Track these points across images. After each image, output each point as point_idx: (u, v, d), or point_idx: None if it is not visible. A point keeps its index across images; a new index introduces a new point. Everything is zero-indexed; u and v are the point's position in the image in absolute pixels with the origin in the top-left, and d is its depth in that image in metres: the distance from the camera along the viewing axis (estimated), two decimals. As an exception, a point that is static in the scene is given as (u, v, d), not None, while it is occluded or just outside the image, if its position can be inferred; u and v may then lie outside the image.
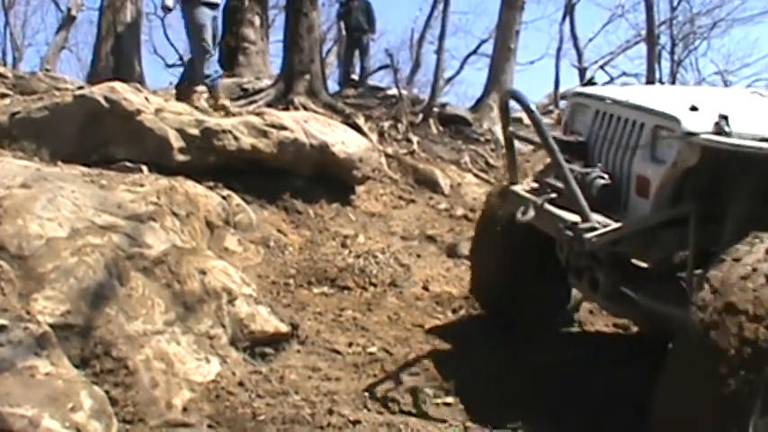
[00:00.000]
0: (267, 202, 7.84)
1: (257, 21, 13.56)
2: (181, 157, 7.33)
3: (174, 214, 5.88)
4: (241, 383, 4.81)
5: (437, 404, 4.82)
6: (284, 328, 5.48)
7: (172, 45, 31.14)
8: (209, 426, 4.42)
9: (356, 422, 4.49)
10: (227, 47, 12.90)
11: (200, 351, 4.93)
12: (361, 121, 11.06)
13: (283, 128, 8.07)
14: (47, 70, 13.98)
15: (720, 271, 4.08)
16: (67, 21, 20.76)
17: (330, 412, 4.57)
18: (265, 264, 6.83)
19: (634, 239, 4.68)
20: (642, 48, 21.86)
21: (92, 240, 4.95)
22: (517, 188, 5.44)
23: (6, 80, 9.12)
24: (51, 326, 4.29)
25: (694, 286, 4.34)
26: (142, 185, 6.01)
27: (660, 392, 4.04)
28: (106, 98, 7.14)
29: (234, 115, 8.52)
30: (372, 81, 18.18)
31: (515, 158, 5.57)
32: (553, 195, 5.01)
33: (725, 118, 4.37)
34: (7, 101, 7.84)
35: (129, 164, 7.04)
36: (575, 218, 4.66)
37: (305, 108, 9.37)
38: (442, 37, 14.78)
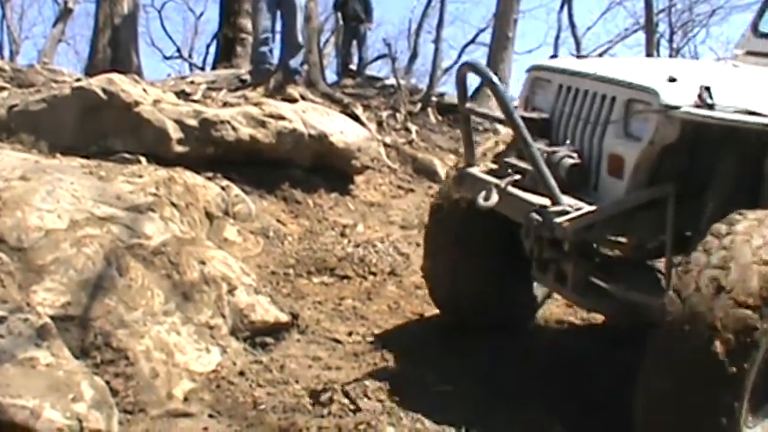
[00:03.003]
0: (266, 192, 7.84)
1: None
2: (179, 148, 7.33)
3: (174, 205, 5.88)
4: (241, 373, 4.82)
5: (438, 392, 4.82)
6: (284, 317, 5.49)
7: (169, 37, 31.07)
8: (210, 415, 4.43)
9: (357, 411, 4.50)
10: (225, 38, 12.87)
11: (201, 341, 4.94)
12: (359, 110, 11.04)
13: (282, 118, 8.07)
14: (44, 63, 13.95)
15: (701, 253, 3.83)
16: (64, 13, 20.74)
17: (331, 401, 4.57)
18: (265, 254, 6.84)
19: (609, 224, 4.37)
20: (641, 36, 21.83)
21: (91, 232, 4.96)
22: (474, 170, 4.95)
23: (4, 73, 9.09)
24: (51, 317, 4.30)
25: (673, 272, 4.09)
26: (141, 176, 6.01)
27: (642, 389, 3.85)
28: (104, 90, 7.14)
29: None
30: (370, 71, 18.18)
31: (472, 137, 5.10)
32: (516, 177, 4.61)
33: (707, 89, 4.09)
34: (5, 94, 7.83)
35: (127, 155, 7.04)
36: (544, 201, 4.30)
37: (303, 98, 9.35)
38: (439, 26, 14.76)
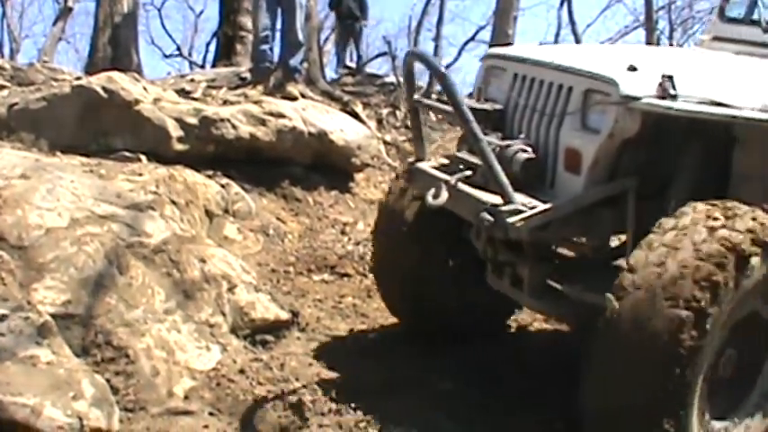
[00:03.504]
0: (266, 190, 7.83)
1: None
2: (179, 146, 7.33)
3: (174, 203, 5.89)
4: (242, 371, 4.82)
5: (438, 390, 4.83)
6: (284, 315, 5.50)
7: (169, 36, 31.02)
8: (211, 413, 4.43)
9: (357, 408, 4.50)
10: (225, 36, 12.86)
11: (201, 339, 4.94)
12: (359, 108, 11.03)
13: (282, 116, 8.06)
14: (44, 61, 13.94)
15: (643, 249, 3.67)
16: (64, 12, 20.72)
17: (331, 399, 4.58)
18: (265, 252, 6.84)
19: (566, 223, 4.12)
20: (641, 33, 21.79)
21: (91, 230, 4.96)
22: (425, 165, 4.68)
23: (4, 72, 9.08)
24: (52, 315, 4.31)
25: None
26: (141, 175, 6.02)
27: (584, 388, 3.74)
28: (104, 88, 7.14)
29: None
30: (370, 68, 18.17)
31: (422, 131, 4.84)
32: (468, 173, 4.35)
33: (669, 78, 3.87)
34: (5, 92, 7.82)
35: (127, 153, 7.03)
36: (495, 199, 4.04)
37: (303, 96, 9.35)
38: (439, 24, 14.78)
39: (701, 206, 3.75)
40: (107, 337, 4.49)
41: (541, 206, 4.00)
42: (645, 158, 4.17)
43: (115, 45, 12.90)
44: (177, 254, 5.25)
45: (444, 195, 4.17)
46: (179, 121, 7.39)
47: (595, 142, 4.05)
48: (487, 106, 4.64)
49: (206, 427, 4.31)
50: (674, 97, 3.85)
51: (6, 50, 28.11)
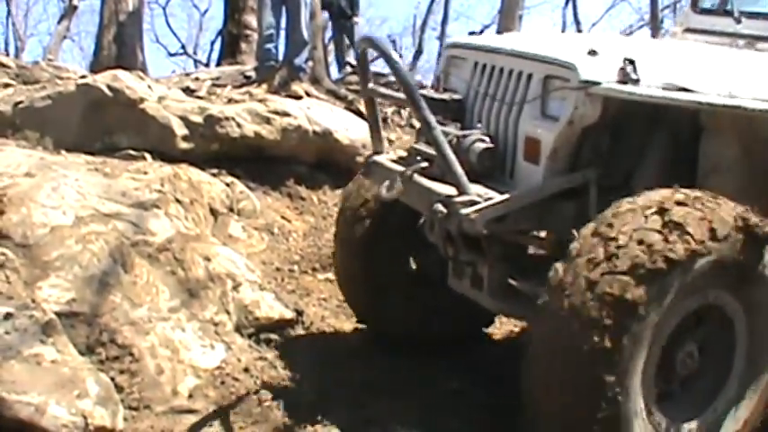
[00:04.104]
0: (271, 188, 7.82)
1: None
2: (184, 145, 7.32)
3: (178, 201, 5.89)
4: (246, 370, 4.82)
5: (445, 390, 4.82)
6: (289, 314, 5.49)
7: (174, 34, 31.09)
8: (215, 412, 4.43)
9: (361, 407, 4.50)
10: (230, 34, 12.87)
11: (206, 338, 4.94)
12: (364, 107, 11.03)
13: (286, 114, 8.05)
14: (49, 60, 13.97)
15: (580, 241, 3.48)
16: (69, 10, 20.75)
17: (336, 398, 4.58)
18: (269, 250, 6.83)
19: (524, 216, 3.93)
20: (646, 32, 21.82)
21: (96, 228, 4.96)
22: (382, 158, 4.53)
23: (9, 70, 9.08)
24: (57, 313, 4.32)
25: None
26: (146, 173, 6.02)
27: (521, 387, 3.55)
28: (109, 86, 7.13)
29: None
30: (374, 67, 18.12)
31: (379, 122, 4.65)
32: (424, 165, 4.21)
33: (631, 63, 3.69)
34: (10, 90, 7.83)
35: (132, 152, 7.03)
36: (451, 191, 3.88)
37: (308, 95, 9.34)
38: (444, 22, 14.81)
39: (640, 198, 3.55)
40: (112, 335, 4.49)
41: (497, 197, 3.85)
42: (608, 147, 4.04)
43: (120, 43, 12.92)
44: (182, 252, 5.25)
45: (398, 188, 4.08)
46: (184, 119, 7.39)
47: (554, 130, 3.90)
48: (446, 96, 4.49)
49: (210, 425, 4.31)
50: (635, 82, 3.68)
51: (11, 49, 28.22)
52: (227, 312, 5.19)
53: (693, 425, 3.75)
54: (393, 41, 19.26)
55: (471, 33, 5.14)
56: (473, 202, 3.78)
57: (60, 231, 4.79)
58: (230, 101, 8.43)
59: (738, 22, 4.95)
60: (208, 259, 5.38)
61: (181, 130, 7.31)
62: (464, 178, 3.82)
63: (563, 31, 25.00)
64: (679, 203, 3.44)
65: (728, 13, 5.06)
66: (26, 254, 4.59)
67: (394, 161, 4.50)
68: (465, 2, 44.45)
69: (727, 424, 3.79)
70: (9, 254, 4.51)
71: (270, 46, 9.55)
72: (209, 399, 4.54)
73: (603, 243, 3.37)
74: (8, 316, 4.05)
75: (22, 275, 4.47)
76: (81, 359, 4.20)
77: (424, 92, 4.37)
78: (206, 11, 31.95)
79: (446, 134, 4.02)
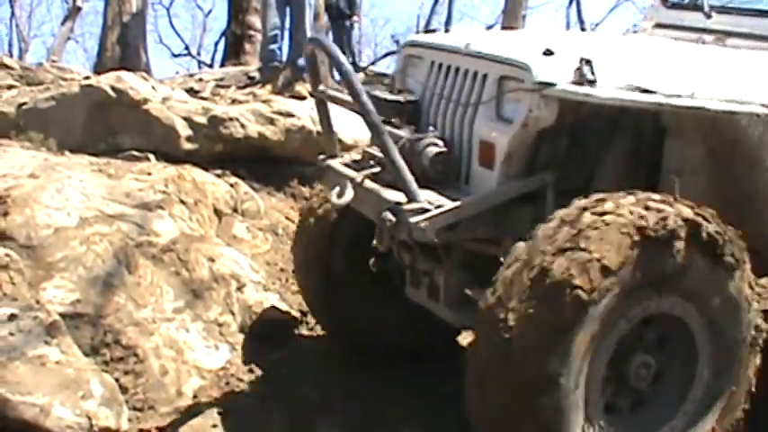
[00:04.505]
0: (275, 189, 7.82)
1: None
2: (188, 146, 7.32)
3: (182, 202, 5.88)
4: (251, 370, 4.82)
5: (446, 392, 4.81)
6: (293, 314, 5.48)
7: (178, 35, 31.08)
8: (219, 413, 4.43)
9: (366, 407, 4.50)
10: (233, 35, 12.87)
11: (210, 338, 4.94)
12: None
13: (290, 115, 8.04)
14: (53, 61, 13.98)
15: (521, 245, 3.35)
16: (73, 11, 20.79)
17: (339, 399, 4.57)
18: (273, 251, 6.82)
19: (478, 223, 3.75)
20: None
21: (100, 229, 4.97)
22: (335, 162, 4.35)
23: (13, 71, 9.08)
24: (61, 314, 4.32)
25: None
26: (150, 174, 6.01)
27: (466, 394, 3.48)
28: (113, 87, 7.13)
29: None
30: (378, 68, 18.13)
31: (332, 124, 4.46)
32: (376, 170, 4.05)
33: (588, 63, 3.50)
34: (14, 92, 7.83)
35: (136, 153, 7.03)
36: (401, 198, 3.68)
37: (311, 95, 9.34)
38: (448, 23, 14.66)
39: (584, 201, 3.41)
40: (116, 336, 4.49)
41: (449, 204, 3.67)
42: (566, 151, 3.87)
43: (124, 44, 12.94)
44: (186, 253, 5.25)
45: (349, 194, 3.90)
46: (188, 120, 7.39)
47: (509, 134, 3.70)
48: (400, 98, 4.29)
49: (214, 426, 4.31)
50: (591, 83, 3.50)
51: (15, 50, 28.25)
52: (232, 313, 5.19)
53: None
54: (397, 41, 19.21)
55: (429, 31, 4.99)
56: (423, 210, 3.60)
57: (64, 232, 4.80)
58: (234, 101, 8.43)
59: (708, 17, 4.78)
60: (212, 260, 5.37)
61: (185, 130, 7.31)
62: (413, 185, 3.64)
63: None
64: (593, 214, 3.30)
65: (698, 8, 4.89)
66: (30, 255, 4.60)
67: (347, 165, 4.29)
68: (469, 2, 44.41)
69: None
70: (13, 255, 4.51)
71: (274, 47, 9.54)
72: (213, 399, 4.54)
73: (533, 255, 3.27)
74: (12, 317, 4.05)
75: (26, 277, 4.47)
76: (85, 360, 4.20)
77: (378, 93, 4.27)
78: (210, 12, 31.98)
79: (399, 138, 3.92)
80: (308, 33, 9.53)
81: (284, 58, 9.59)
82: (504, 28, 14.57)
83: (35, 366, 3.90)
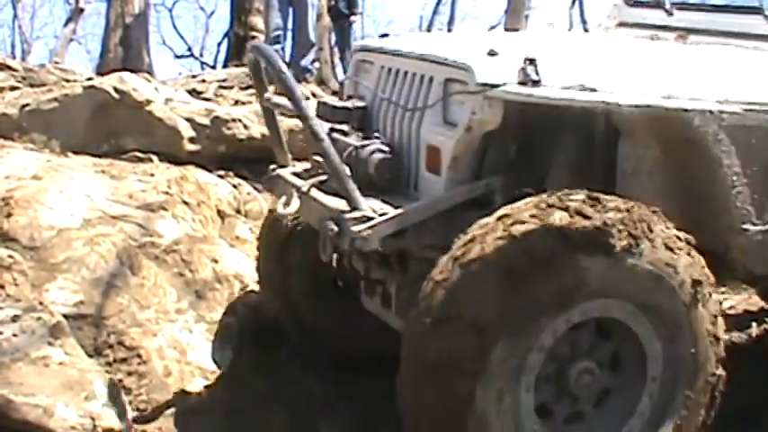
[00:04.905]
0: (278, 190, 7.83)
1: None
2: (191, 147, 7.33)
3: (185, 203, 5.88)
4: (254, 371, 4.81)
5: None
6: (296, 315, 5.48)
7: (180, 36, 31.12)
8: (223, 413, 4.43)
9: (371, 407, 4.49)
10: (236, 36, 12.89)
11: (213, 339, 4.93)
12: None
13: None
14: (56, 62, 14.00)
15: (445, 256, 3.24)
16: (76, 13, 20.84)
17: (343, 399, 4.57)
18: (277, 252, 6.82)
19: (425, 229, 3.61)
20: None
21: (103, 230, 4.97)
22: (285, 171, 4.27)
23: (16, 73, 9.08)
24: (64, 315, 4.32)
25: None
26: (153, 175, 6.01)
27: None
28: (116, 89, 7.14)
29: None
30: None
31: (281, 134, 4.40)
32: (323, 178, 3.94)
33: (532, 62, 3.38)
34: (17, 93, 7.83)
35: (139, 154, 7.04)
36: (346, 206, 3.59)
37: (314, 96, 9.34)
38: (450, 23, 14.79)
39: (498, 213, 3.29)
40: (119, 337, 4.49)
41: (393, 212, 3.56)
42: (515, 154, 3.76)
43: (126, 46, 12.96)
44: (189, 254, 5.25)
45: (295, 204, 3.88)
46: (190, 121, 7.39)
47: (453, 137, 3.60)
48: (349, 104, 4.22)
49: (218, 427, 4.30)
50: (536, 83, 3.38)
51: (18, 52, 28.28)
52: (235, 314, 5.18)
53: None
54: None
55: (382, 36, 4.84)
56: (366, 218, 3.50)
57: (67, 233, 4.80)
58: (237, 102, 8.44)
59: (670, 14, 4.70)
60: (215, 261, 5.37)
61: (187, 131, 7.31)
62: (356, 192, 3.55)
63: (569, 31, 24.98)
64: (521, 221, 3.20)
65: (660, 6, 4.78)
66: (33, 256, 4.60)
67: (297, 175, 4.21)
68: (471, 2, 44.41)
69: None
70: (16, 256, 4.52)
71: (276, 47, 9.55)
72: (216, 400, 4.54)
73: (457, 260, 3.19)
74: (16, 318, 4.05)
75: (29, 278, 4.47)
76: (89, 361, 4.20)
77: (326, 100, 4.24)
78: (212, 13, 31.97)
79: (346, 145, 3.89)
80: (311, 34, 9.56)
81: (287, 58, 9.60)
82: (506, 29, 14.57)
83: (38, 367, 3.89)
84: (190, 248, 5.29)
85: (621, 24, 4.95)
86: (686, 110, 3.49)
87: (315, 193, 3.87)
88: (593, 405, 3.44)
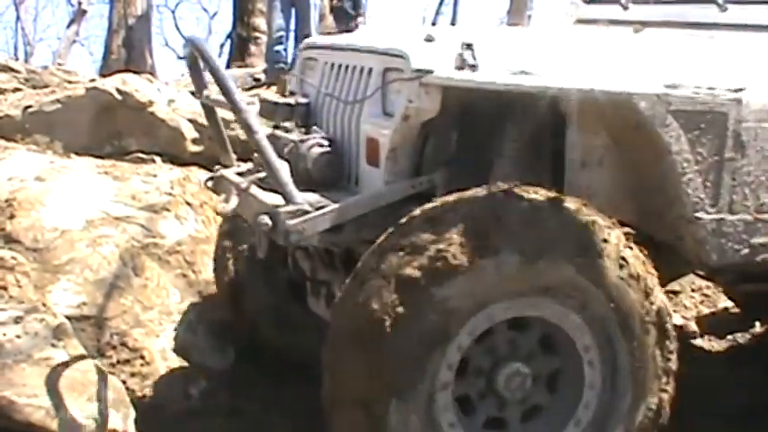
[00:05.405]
0: (281, 190, 7.83)
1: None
2: (194, 148, 7.32)
3: (188, 204, 5.87)
4: (258, 371, 4.81)
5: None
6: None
7: (183, 37, 31.12)
8: (226, 414, 4.42)
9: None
10: (239, 37, 12.90)
11: (217, 340, 4.93)
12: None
13: (296, 116, 8.06)
14: (59, 64, 14.02)
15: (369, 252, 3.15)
16: (78, 14, 20.85)
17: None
18: (280, 252, 6.82)
19: (364, 225, 3.47)
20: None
21: (106, 231, 4.97)
22: (228, 172, 4.18)
23: (19, 74, 9.09)
24: (67, 317, 4.31)
25: None
26: (156, 176, 6.01)
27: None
28: (118, 90, 7.13)
29: None
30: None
31: (222, 132, 4.30)
32: (263, 175, 3.83)
33: (469, 47, 3.25)
34: (20, 95, 7.83)
35: (142, 155, 7.03)
36: (281, 201, 3.48)
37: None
38: (453, 23, 14.73)
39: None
40: (122, 338, 4.49)
41: (330, 206, 3.44)
42: (458, 146, 3.62)
43: (129, 47, 12.98)
44: (192, 255, 5.25)
45: (234, 201, 3.75)
46: (193, 122, 7.38)
47: (390, 128, 3.47)
48: (291, 100, 4.13)
49: (221, 428, 4.30)
50: (473, 68, 3.24)
51: (21, 53, 28.33)
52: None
53: None
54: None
55: (328, 33, 4.85)
56: (302, 212, 3.38)
57: (70, 235, 4.80)
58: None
59: (625, 8, 4.53)
60: (218, 261, 5.37)
61: (190, 132, 7.31)
62: (290, 186, 3.43)
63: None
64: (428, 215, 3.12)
65: (616, 1, 4.61)
66: (36, 257, 4.60)
67: (241, 174, 4.12)
68: (475, 2, 44.39)
69: None
70: (19, 257, 4.51)
71: (279, 48, 9.56)
72: (220, 401, 4.54)
73: (380, 257, 3.11)
74: (19, 319, 4.04)
75: (32, 279, 4.47)
76: (92, 362, 4.20)
77: (269, 96, 4.14)
78: (215, 14, 32.08)
79: (287, 141, 3.84)
80: (313, 35, 9.54)
81: (290, 59, 9.60)
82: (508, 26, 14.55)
83: (41, 369, 3.89)
84: (193, 249, 5.29)
85: (579, 21, 4.77)
86: (631, 93, 3.36)
87: (253, 189, 3.75)
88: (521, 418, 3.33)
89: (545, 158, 3.68)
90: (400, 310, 2.97)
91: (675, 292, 6.19)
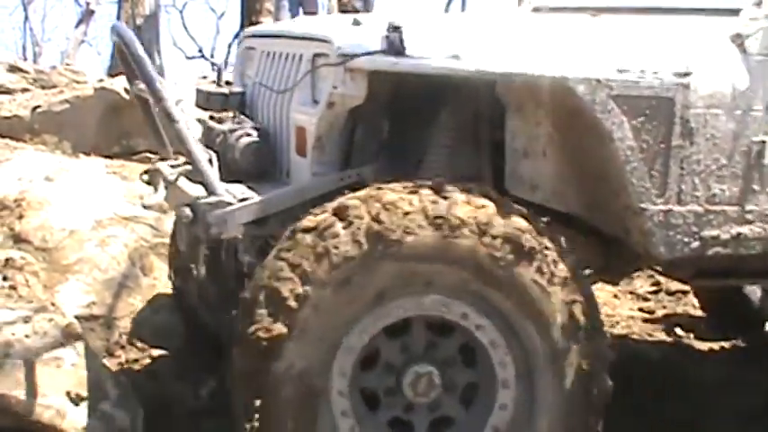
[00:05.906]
0: (288, 190, 7.83)
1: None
2: (201, 148, 7.35)
3: (196, 204, 5.89)
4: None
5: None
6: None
7: (191, 37, 31.22)
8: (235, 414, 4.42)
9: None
10: (246, 37, 12.94)
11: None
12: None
13: (303, 116, 8.07)
14: (67, 64, 14.04)
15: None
16: (86, 15, 20.90)
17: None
18: (287, 252, 6.83)
19: (290, 217, 3.19)
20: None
21: (115, 231, 4.98)
22: (164, 165, 3.92)
23: (27, 75, 9.12)
24: (76, 316, 4.31)
25: None
26: (164, 176, 6.02)
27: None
28: (127, 90, 7.15)
29: None
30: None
31: (158, 124, 3.99)
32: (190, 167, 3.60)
33: (396, 29, 3.06)
34: (28, 95, 7.86)
35: (150, 155, 7.05)
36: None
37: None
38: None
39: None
40: (131, 338, 4.49)
41: (254, 197, 3.31)
42: (389, 135, 3.47)
43: (137, 47, 12.97)
44: (200, 255, 5.25)
45: (161, 193, 3.63)
46: (200, 121, 7.41)
47: (316, 115, 3.32)
48: (225, 90, 3.99)
49: (230, 427, 4.30)
50: (401, 52, 3.07)
51: (29, 54, 28.37)
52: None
53: None
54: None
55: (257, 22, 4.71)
56: (224, 204, 3.23)
57: (79, 235, 4.81)
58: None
59: None
60: (226, 261, 5.37)
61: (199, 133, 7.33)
62: (212, 176, 3.28)
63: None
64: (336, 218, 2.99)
65: None
66: (45, 257, 4.61)
67: (175, 167, 3.86)
68: (480, 3, 44.45)
69: None
70: (28, 257, 4.52)
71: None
72: (227, 400, 4.53)
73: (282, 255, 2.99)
74: (28, 319, 4.04)
75: (41, 279, 4.48)
76: (101, 362, 4.20)
77: (202, 87, 4.02)
78: (223, 14, 32.08)
79: (219, 131, 3.72)
80: None
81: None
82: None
83: (51, 368, 3.89)
84: (201, 249, 5.30)
85: (536, 10, 4.51)
86: (568, 77, 3.16)
87: (181, 181, 3.59)
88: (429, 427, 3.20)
89: (483, 148, 3.52)
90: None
91: (684, 292, 6.16)
